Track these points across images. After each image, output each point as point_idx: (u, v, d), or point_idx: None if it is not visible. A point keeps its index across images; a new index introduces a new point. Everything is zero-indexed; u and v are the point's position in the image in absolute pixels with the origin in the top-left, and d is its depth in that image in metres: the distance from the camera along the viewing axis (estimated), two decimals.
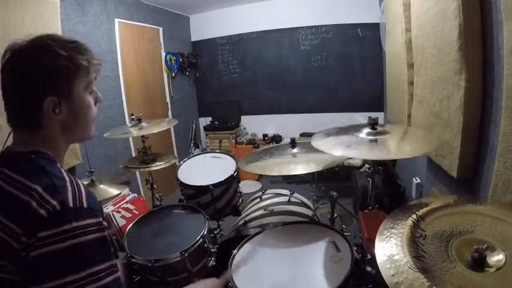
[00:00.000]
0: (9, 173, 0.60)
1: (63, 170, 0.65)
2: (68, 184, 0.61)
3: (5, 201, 0.58)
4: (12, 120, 0.67)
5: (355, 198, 2.73)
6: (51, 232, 0.54)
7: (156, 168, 1.91)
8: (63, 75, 0.65)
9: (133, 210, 2.87)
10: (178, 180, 1.86)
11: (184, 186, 1.83)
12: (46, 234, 0.54)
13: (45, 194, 0.57)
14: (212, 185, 1.75)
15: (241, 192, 2.05)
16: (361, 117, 3.37)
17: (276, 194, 1.92)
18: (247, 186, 3.69)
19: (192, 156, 2.13)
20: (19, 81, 0.63)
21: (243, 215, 1.74)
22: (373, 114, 1.34)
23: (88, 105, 0.71)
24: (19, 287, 0.55)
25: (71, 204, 0.58)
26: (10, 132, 0.68)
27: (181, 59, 4.32)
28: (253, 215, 1.65)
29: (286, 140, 2.28)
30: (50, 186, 0.58)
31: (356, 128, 1.29)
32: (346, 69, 4.12)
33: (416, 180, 2.08)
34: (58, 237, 0.54)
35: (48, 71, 0.63)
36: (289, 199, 1.80)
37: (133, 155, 3.20)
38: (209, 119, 4.80)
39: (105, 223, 0.62)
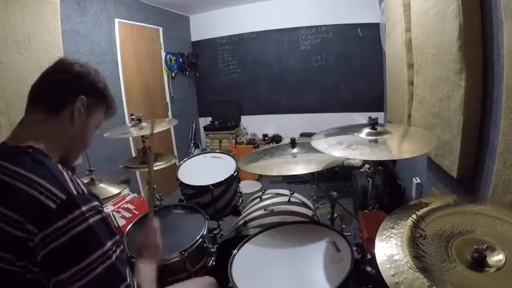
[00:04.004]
0: (10, 167, 0.61)
1: (58, 164, 0.68)
2: (65, 175, 0.65)
3: (9, 195, 0.59)
4: (37, 103, 0.72)
5: (355, 198, 2.73)
6: (64, 221, 0.58)
7: (156, 168, 1.91)
8: (101, 97, 0.80)
9: (133, 210, 2.87)
10: (178, 180, 1.87)
11: (184, 186, 1.84)
12: (60, 224, 0.57)
13: (49, 186, 0.60)
14: (212, 185, 1.75)
15: (241, 192, 2.05)
16: (361, 117, 3.37)
17: (276, 194, 1.92)
18: (247, 186, 3.69)
19: (192, 156, 2.13)
20: (70, 75, 0.74)
21: (243, 215, 1.74)
22: (373, 114, 1.34)
23: (90, 134, 0.81)
24: (28, 279, 0.57)
25: (74, 192, 0.61)
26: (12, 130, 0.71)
27: (181, 59, 4.32)
28: (253, 215, 1.65)
29: (286, 140, 2.28)
30: (52, 178, 0.61)
31: (356, 128, 1.29)
32: (346, 69, 4.12)
33: (416, 180, 2.08)
34: (72, 223, 0.58)
35: (96, 86, 0.78)
36: (289, 199, 1.80)
37: (134, 155, 3.20)
38: (209, 119, 4.80)
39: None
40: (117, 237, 0.66)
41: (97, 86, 0.79)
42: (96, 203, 0.65)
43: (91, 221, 0.61)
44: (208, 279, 1.19)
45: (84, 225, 0.59)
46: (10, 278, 0.57)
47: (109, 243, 0.63)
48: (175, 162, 2.06)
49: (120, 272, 0.64)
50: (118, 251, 0.65)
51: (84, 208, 0.61)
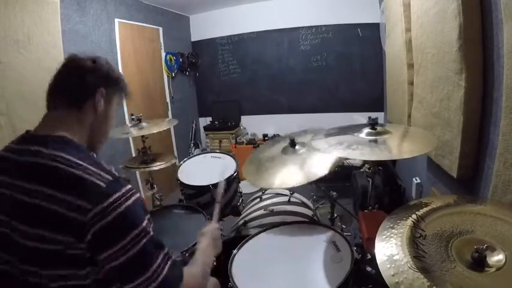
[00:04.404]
0: (52, 152, 0.66)
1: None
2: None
3: (60, 177, 0.64)
4: (59, 100, 0.77)
5: (355, 198, 2.73)
6: (114, 198, 0.64)
7: (156, 168, 1.91)
8: (117, 85, 0.86)
9: None
10: (178, 180, 1.87)
11: (184, 186, 1.84)
12: (111, 200, 0.63)
13: (94, 169, 0.67)
14: (212, 185, 1.75)
15: (241, 192, 2.05)
16: (361, 117, 3.37)
17: (276, 194, 1.92)
18: (247, 186, 3.68)
19: (192, 156, 2.13)
20: (86, 71, 0.78)
21: (243, 215, 1.75)
22: (373, 114, 1.34)
23: (112, 120, 0.86)
24: (85, 259, 0.63)
25: (115, 176, 0.69)
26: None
27: (181, 59, 4.32)
28: (253, 215, 1.65)
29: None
30: (93, 162, 0.69)
31: (356, 128, 1.29)
32: (346, 69, 4.12)
33: (416, 180, 2.08)
34: (119, 200, 0.65)
35: (111, 76, 0.84)
36: (289, 199, 1.80)
37: (134, 155, 3.20)
38: (209, 119, 4.80)
39: None
40: (149, 214, 0.73)
41: (112, 76, 0.84)
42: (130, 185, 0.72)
43: (133, 198, 0.68)
44: (211, 280, 1.18)
45: (129, 202, 0.66)
46: (53, 255, 0.62)
47: (146, 219, 0.69)
48: (175, 162, 2.06)
49: (158, 242, 0.71)
50: (151, 227, 0.71)
51: (126, 188, 0.68)
